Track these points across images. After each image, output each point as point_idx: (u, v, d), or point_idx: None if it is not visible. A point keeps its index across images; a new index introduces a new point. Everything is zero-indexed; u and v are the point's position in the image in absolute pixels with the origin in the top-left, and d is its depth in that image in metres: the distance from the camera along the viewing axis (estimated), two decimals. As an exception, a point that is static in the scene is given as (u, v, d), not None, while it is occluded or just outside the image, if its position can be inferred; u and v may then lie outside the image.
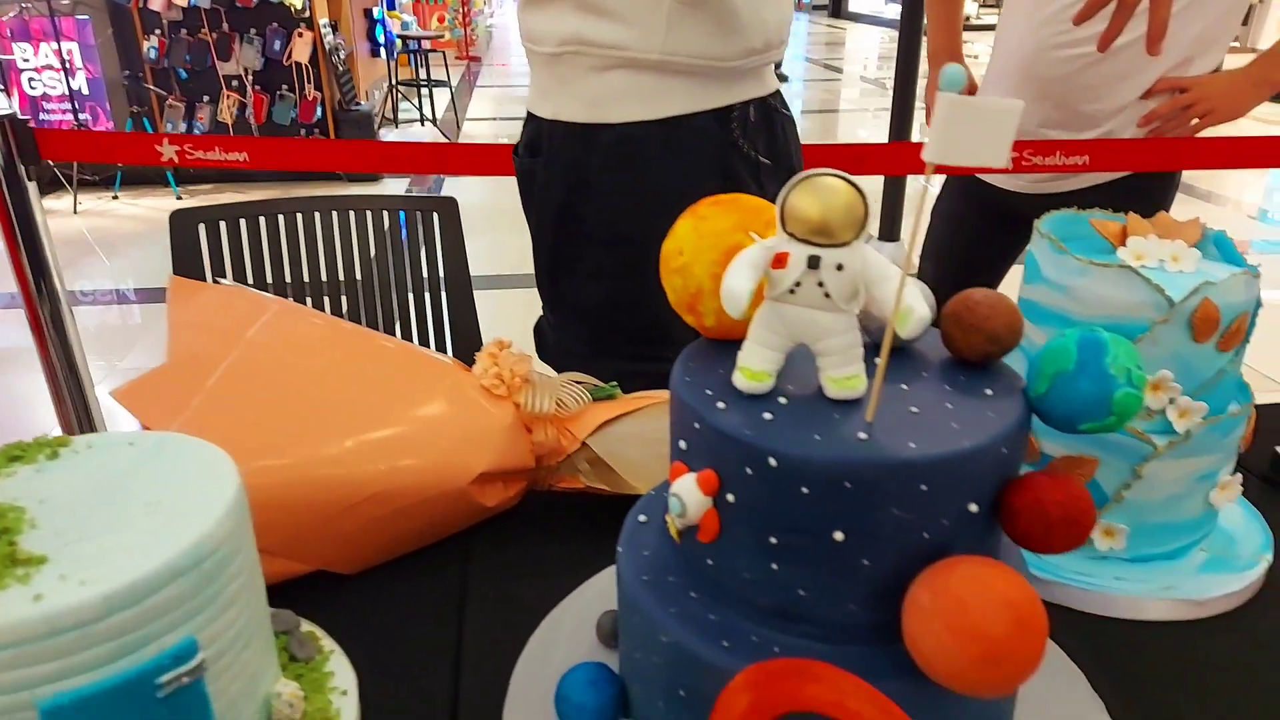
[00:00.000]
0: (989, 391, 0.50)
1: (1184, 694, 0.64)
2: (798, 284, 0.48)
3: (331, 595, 0.73)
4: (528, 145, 1.04)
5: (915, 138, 4.35)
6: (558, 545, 0.79)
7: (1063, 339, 0.49)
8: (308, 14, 5.15)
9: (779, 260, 0.48)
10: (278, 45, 5.20)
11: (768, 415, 0.48)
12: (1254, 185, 5.63)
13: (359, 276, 1.44)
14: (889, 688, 0.46)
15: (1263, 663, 0.67)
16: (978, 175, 1.67)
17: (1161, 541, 0.73)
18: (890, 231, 4.06)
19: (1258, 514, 0.80)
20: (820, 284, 0.48)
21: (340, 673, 0.62)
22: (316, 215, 1.46)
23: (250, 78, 5.28)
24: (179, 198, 5.07)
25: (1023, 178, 1.60)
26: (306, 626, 0.66)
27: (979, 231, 1.78)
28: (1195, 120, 1.42)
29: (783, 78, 8.80)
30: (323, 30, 5.30)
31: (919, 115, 3.89)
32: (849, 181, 0.47)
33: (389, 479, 0.72)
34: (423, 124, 7.02)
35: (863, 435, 0.46)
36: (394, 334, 1.51)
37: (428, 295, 1.53)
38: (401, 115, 7.29)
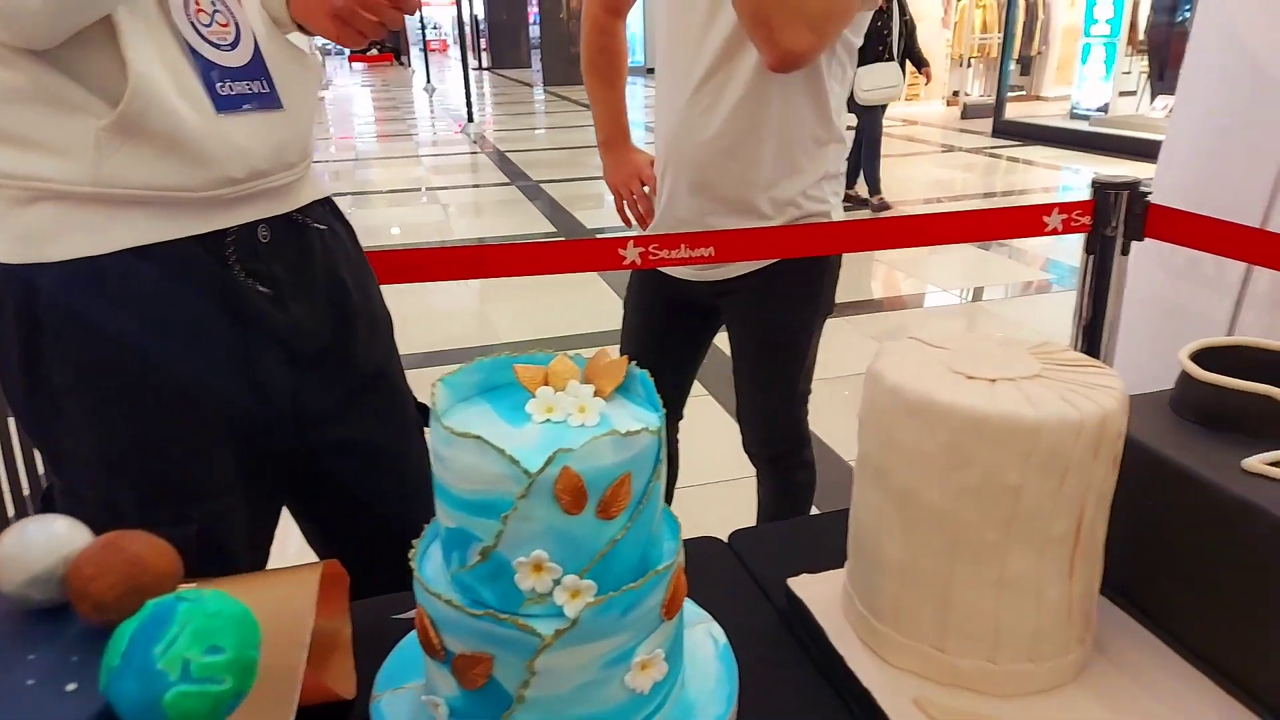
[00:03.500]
0: (72, 687, 0.38)
1: None
2: None
3: None
4: None
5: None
6: None
7: (133, 616, 0.38)
8: None
9: None
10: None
11: None
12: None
13: None
14: None
15: None
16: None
17: (586, 737, 0.63)
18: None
19: (733, 670, 0.72)
20: None
21: None
22: None
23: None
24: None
25: (687, 267, 1.57)
26: None
27: (665, 320, 1.75)
28: None
29: None
30: None
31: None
32: None
33: None
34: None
35: None
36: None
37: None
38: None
